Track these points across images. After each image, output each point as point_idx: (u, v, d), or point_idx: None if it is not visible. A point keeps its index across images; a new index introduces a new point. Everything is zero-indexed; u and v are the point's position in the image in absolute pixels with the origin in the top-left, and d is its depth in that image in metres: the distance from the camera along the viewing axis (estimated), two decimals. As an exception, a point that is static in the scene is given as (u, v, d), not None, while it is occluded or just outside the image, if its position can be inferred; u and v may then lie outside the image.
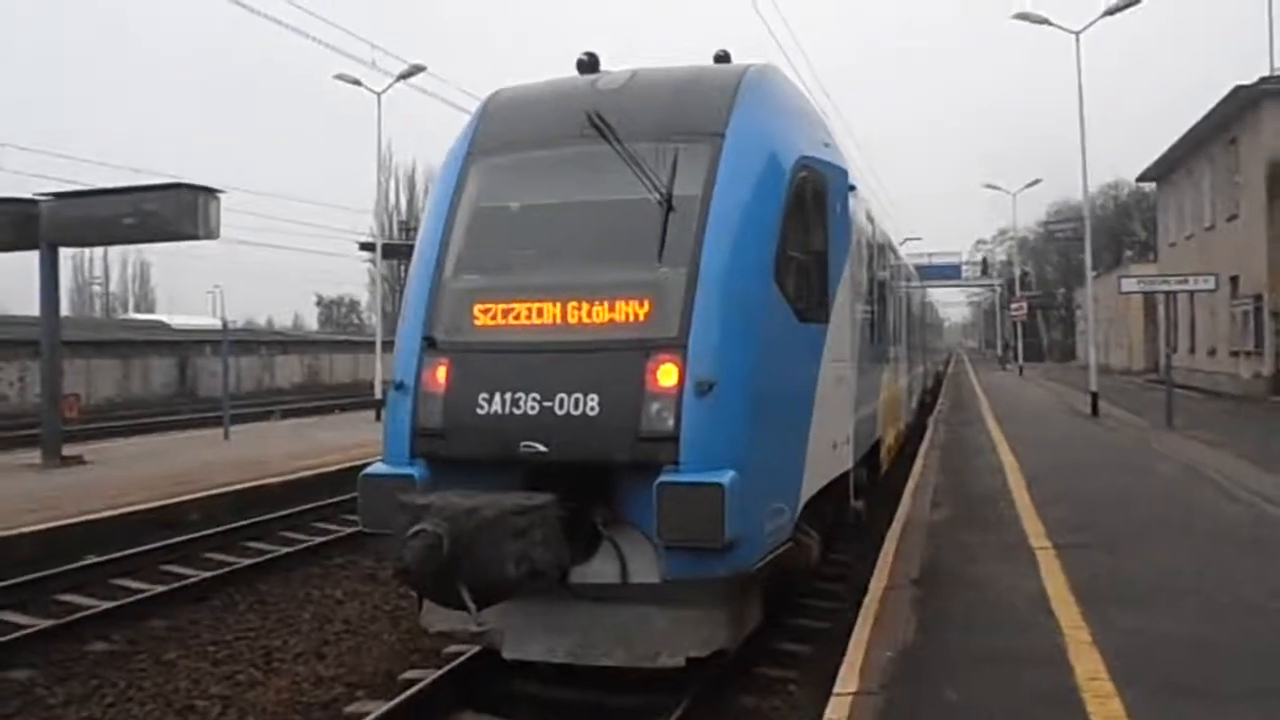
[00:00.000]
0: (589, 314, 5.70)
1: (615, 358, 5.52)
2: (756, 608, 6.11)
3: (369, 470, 5.96)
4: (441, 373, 5.81)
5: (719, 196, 5.81)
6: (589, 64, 6.96)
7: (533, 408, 5.51)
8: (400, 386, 5.94)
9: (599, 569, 5.47)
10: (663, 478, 5.18)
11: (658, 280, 5.71)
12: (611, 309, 5.67)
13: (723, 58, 7.01)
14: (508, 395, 5.56)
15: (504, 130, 6.74)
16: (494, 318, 5.91)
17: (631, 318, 5.63)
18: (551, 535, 5.15)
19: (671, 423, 5.31)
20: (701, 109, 6.22)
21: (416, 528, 4.97)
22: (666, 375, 5.39)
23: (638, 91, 6.47)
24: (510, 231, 6.56)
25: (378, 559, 10.60)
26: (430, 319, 6.03)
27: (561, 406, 5.46)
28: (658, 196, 5.83)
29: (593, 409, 5.42)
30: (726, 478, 5.12)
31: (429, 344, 5.93)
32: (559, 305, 5.77)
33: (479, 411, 5.61)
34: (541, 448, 5.46)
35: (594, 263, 6.12)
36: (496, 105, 7.01)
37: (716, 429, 5.33)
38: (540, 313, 5.81)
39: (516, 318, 5.86)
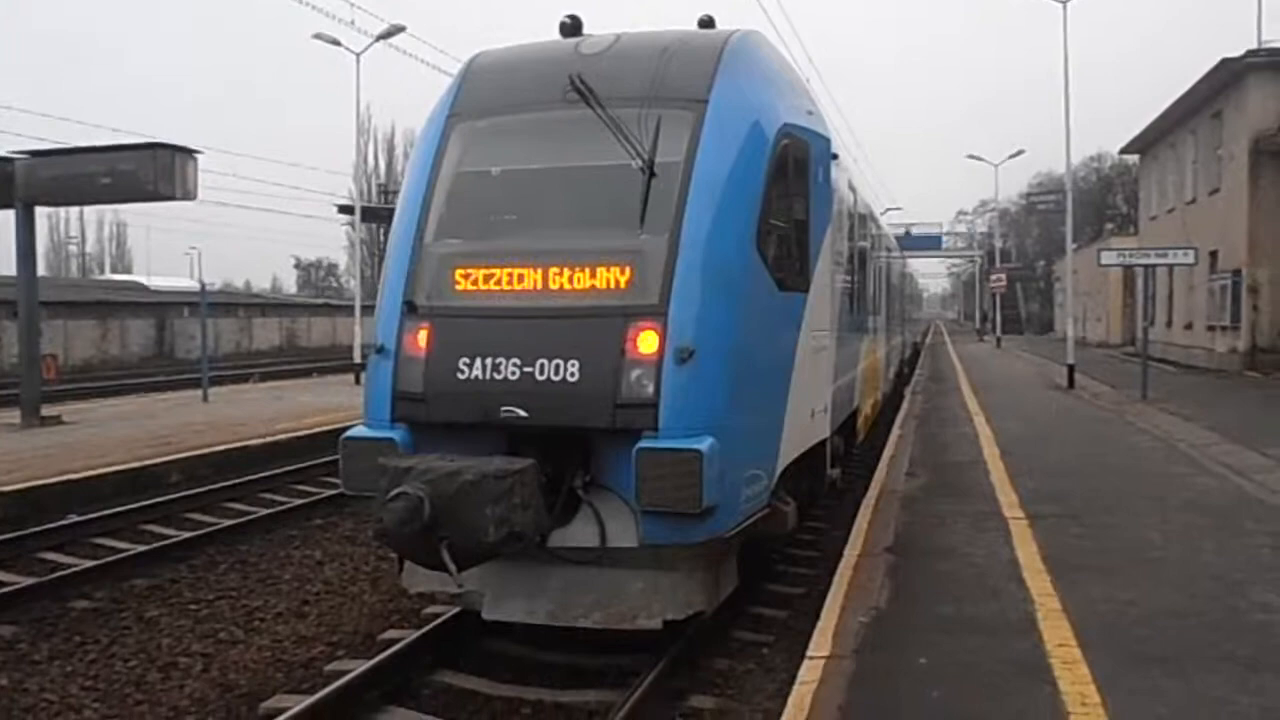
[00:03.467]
0: (570, 280, 5.70)
1: (596, 324, 5.54)
2: (733, 572, 6.19)
3: (350, 433, 5.99)
4: (422, 337, 5.81)
5: (701, 163, 5.80)
6: (572, 27, 6.91)
7: (513, 373, 5.53)
8: (381, 350, 5.93)
9: (578, 533, 5.53)
10: (642, 444, 5.23)
11: (639, 247, 5.71)
12: (593, 275, 5.67)
13: (707, 23, 6.95)
14: (488, 360, 5.58)
15: (486, 93, 6.67)
16: (475, 283, 5.90)
17: (613, 284, 5.64)
18: (531, 499, 5.18)
19: (651, 389, 5.35)
20: (685, 75, 6.16)
21: (398, 490, 5.01)
22: (647, 342, 5.41)
23: (621, 56, 6.41)
24: (492, 196, 6.51)
25: (357, 521, 10.66)
26: (411, 283, 6.01)
27: (542, 372, 5.48)
28: (640, 162, 5.79)
29: (573, 375, 5.44)
30: (705, 444, 5.17)
31: (410, 308, 5.92)
32: (540, 271, 5.77)
33: (460, 376, 5.63)
34: (522, 413, 5.48)
35: (575, 229, 6.12)
36: (479, 68, 6.93)
37: (696, 396, 5.37)
38: (521, 278, 5.80)
39: (498, 283, 5.85)
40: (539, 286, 5.75)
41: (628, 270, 5.64)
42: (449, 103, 6.71)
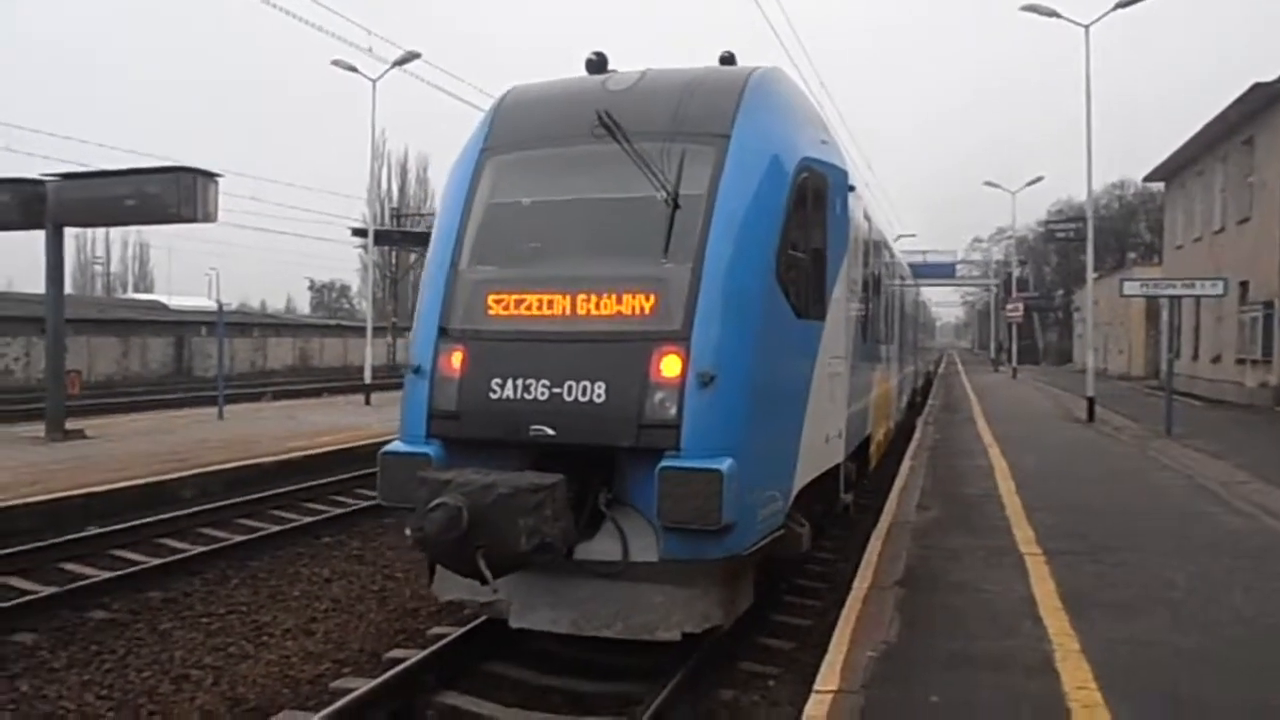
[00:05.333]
0: (597, 306, 5.95)
1: (622, 348, 5.77)
2: (749, 590, 6.36)
3: (388, 448, 6.22)
4: (457, 358, 6.08)
5: (723, 196, 6.03)
6: (597, 64, 7.18)
7: (542, 393, 5.77)
8: (418, 370, 6.20)
9: (602, 547, 5.71)
10: (664, 463, 5.43)
11: (663, 275, 5.93)
12: (619, 302, 5.91)
13: (728, 59, 7.20)
14: (519, 381, 5.84)
15: (517, 128, 6.96)
16: (506, 308, 6.18)
17: (638, 311, 5.87)
18: (562, 512, 5.40)
19: (674, 411, 5.56)
20: (708, 111, 6.40)
21: (438, 500, 5.27)
22: (670, 366, 5.63)
23: (646, 93, 6.66)
24: (522, 226, 6.73)
25: (364, 540, 10.75)
26: (446, 307, 6.31)
27: (570, 393, 5.72)
28: (664, 195, 6.06)
29: (599, 396, 5.67)
30: (725, 464, 5.36)
31: (445, 331, 6.20)
32: (568, 297, 6.01)
33: (492, 396, 5.89)
34: (550, 431, 5.73)
35: (602, 257, 6.33)
36: (510, 103, 7.23)
37: (716, 418, 5.57)
38: (550, 304, 6.06)
39: (528, 308, 6.12)
40: (568, 312, 6.01)
41: (652, 297, 5.87)
42: (482, 137, 7.00)
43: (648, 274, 5.97)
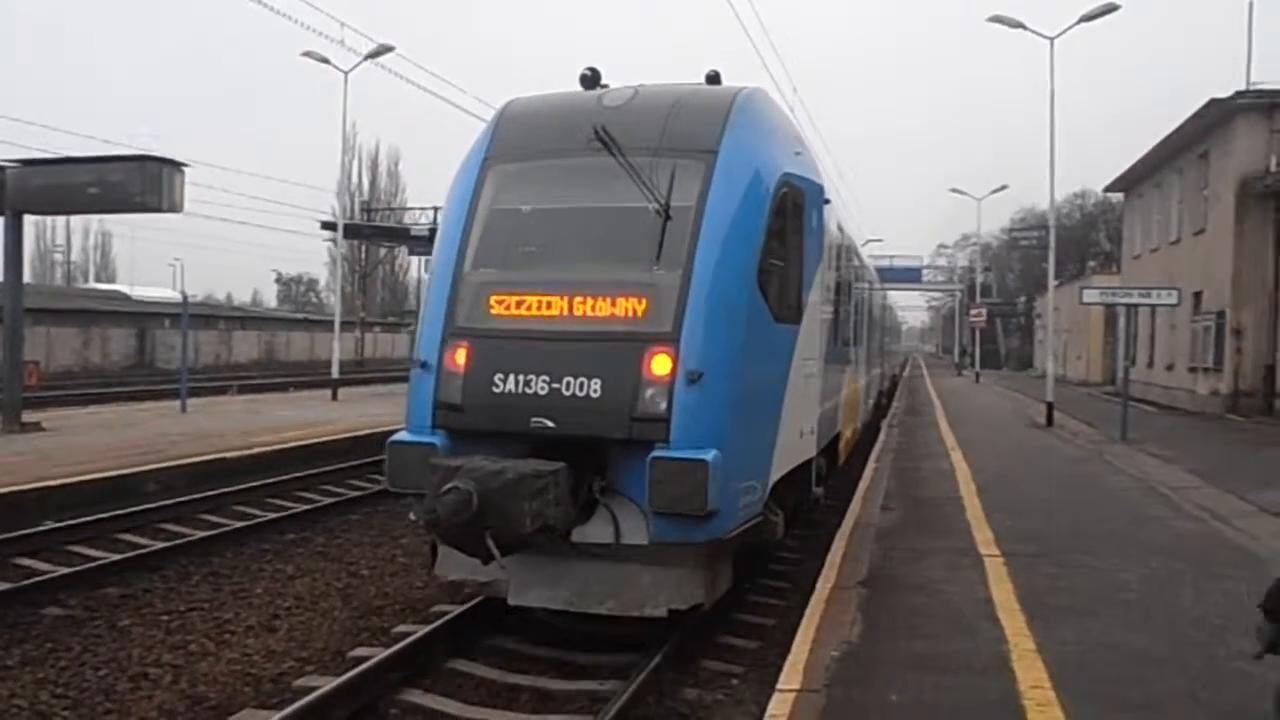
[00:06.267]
0: (593, 308, 6.35)
1: (616, 347, 6.18)
2: (729, 573, 6.82)
3: (396, 438, 6.59)
4: (461, 354, 6.45)
5: (710, 208, 6.46)
6: (591, 78, 7.59)
7: (542, 388, 6.17)
8: (424, 365, 6.56)
9: (596, 530, 6.13)
10: (655, 453, 5.86)
11: (654, 281, 6.34)
12: (613, 304, 6.32)
13: (714, 78, 7.66)
14: (520, 376, 6.22)
15: (518, 139, 7.33)
16: (508, 308, 6.55)
17: (630, 313, 6.28)
18: (563, 497, 5.81)
19: (664, 406, 6.00)
20: (697, 128, 6.82)
21: (449, 485, 5.59)
22: (660, 365, 6.06)
23: (639, 109, 7.04)
24: (523, 231, 7.08)
25: (329, 536, 10.72)
26: (451, 307, 6.66)
27: (568, 388, 6.12)
28: (656, 206, 6.44)
29: (595, 391, 6.08)
30: (710, 455, 5.81)
31: (449, 329, 6.56)
32: (566, 299, 6.41)
33: (495, 390, 6.27)
34: (549, 423, 6.11)
35: (598, 262, 6.72)
36: (511, 115, 7.58)
37: (703, 413, 6.00)
38: (549, 305, 6.45)
39: (528, 309, 6.50)
40: (565, 313, 6.40)
41: (644, 300, 6.27)
42: (484, 146, 7.36)
43: (640, 279, 6.35)
